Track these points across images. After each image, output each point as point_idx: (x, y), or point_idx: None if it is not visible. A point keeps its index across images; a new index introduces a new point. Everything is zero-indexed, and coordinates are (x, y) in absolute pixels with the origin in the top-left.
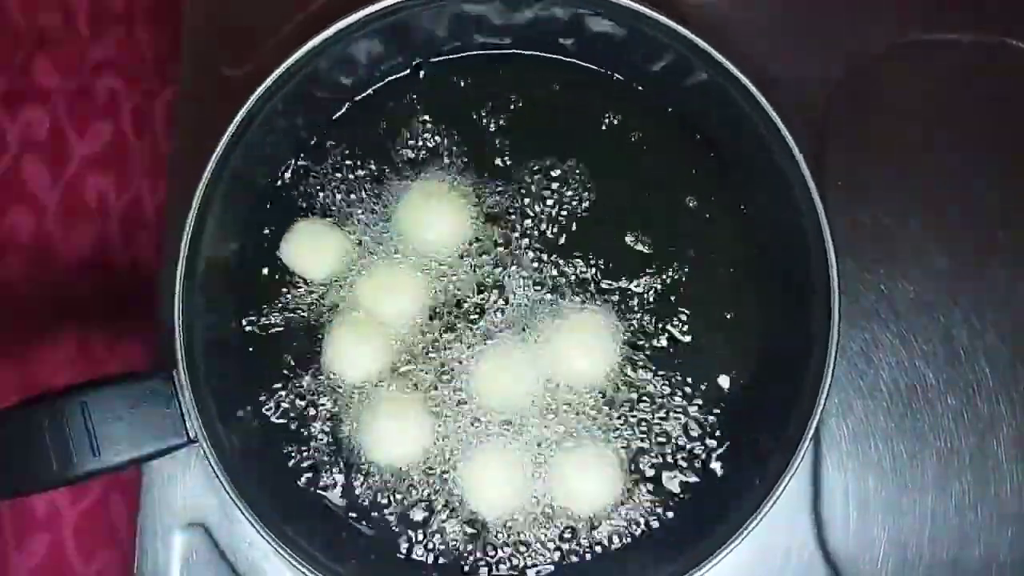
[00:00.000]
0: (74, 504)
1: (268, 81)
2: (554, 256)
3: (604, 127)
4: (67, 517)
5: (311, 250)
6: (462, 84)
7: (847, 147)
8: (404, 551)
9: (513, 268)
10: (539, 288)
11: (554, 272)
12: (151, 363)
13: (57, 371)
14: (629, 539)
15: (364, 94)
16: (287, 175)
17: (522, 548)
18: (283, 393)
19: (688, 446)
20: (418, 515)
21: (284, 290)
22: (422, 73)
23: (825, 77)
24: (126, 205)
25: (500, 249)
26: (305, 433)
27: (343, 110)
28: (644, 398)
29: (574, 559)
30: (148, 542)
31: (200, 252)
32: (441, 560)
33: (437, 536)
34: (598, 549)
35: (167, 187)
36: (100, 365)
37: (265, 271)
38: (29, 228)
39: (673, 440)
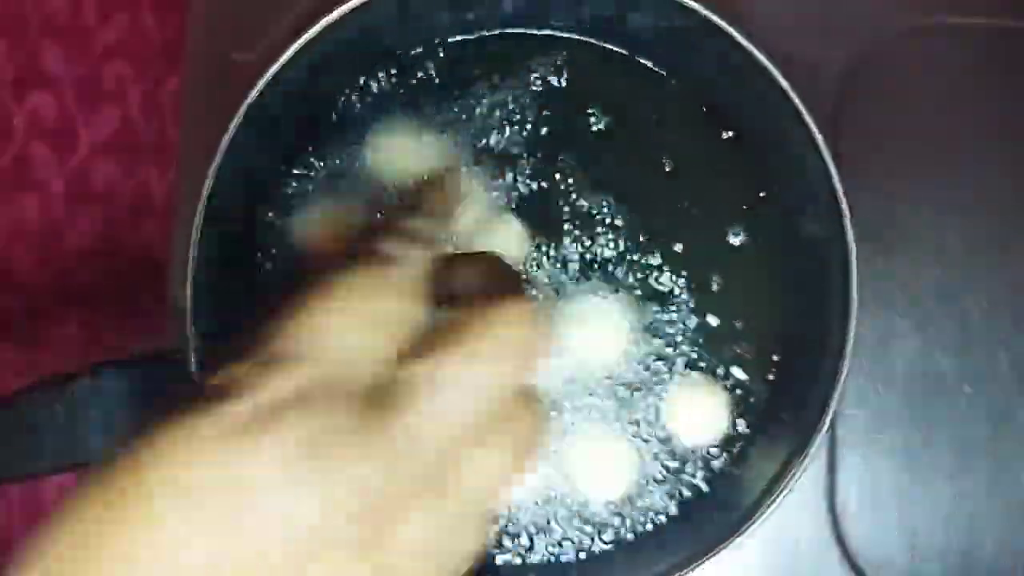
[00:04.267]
0: None
1: (277, 64)
2: (571, 244)
3: (613, 108)
4: None
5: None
6: (477, 65)
7: (863, 132)
8: None
9: (531, 254)
10: (556, 275)
11: (571, 259)
12: (161, 347)
13: (65, 355)
14: (646, 525)
15: (380, 72)
16: (299, 158)
17: (539, 534)
18: None
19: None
20: None
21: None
22: (440, 53)
23: (841, 60)
24: (134, 191)
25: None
26: None
27: (356, 91)
28: (660, 384)
29: (590, 545)
30: None
31: (212, 235)
32: None
33: None
34: (614, 534)
35: (176, 172)
36: (108, 350)
37: (277, 254)
38: (37, 214)
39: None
